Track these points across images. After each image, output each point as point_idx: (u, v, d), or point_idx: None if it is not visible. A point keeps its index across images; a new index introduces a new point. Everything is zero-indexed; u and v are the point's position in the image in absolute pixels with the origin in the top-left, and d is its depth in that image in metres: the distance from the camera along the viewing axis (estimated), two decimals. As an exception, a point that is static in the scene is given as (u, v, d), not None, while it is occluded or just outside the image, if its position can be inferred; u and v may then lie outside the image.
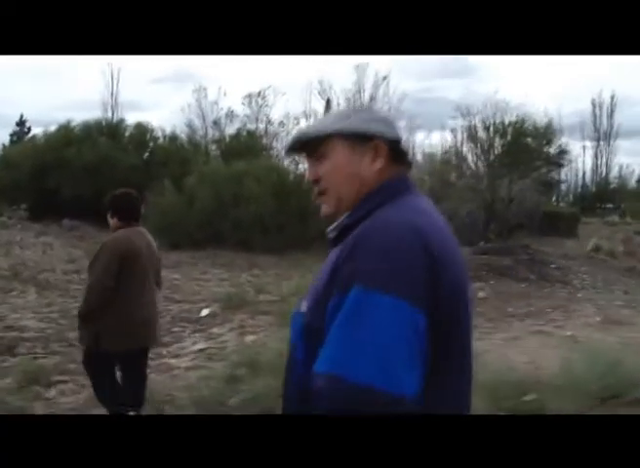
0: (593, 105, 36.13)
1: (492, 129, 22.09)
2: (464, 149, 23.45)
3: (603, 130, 39.03)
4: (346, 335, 1.03)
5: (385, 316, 1.02)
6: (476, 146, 22.66)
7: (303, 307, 1.21)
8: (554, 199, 28.84)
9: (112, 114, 31.74)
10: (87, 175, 27.34)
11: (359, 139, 1.28)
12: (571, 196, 33.33)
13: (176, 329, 7.14)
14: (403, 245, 1.09)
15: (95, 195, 27.56)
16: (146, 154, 29.22)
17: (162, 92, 53.45)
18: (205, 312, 7.84)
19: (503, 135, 21.86)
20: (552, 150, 23.58)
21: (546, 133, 23.15)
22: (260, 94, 30.96)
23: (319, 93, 28.16)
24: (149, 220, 20.53)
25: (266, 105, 31.18)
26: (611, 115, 37.78)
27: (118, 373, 3.92)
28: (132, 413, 3.71)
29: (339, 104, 26.76)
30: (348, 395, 0.99)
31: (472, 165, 22.62)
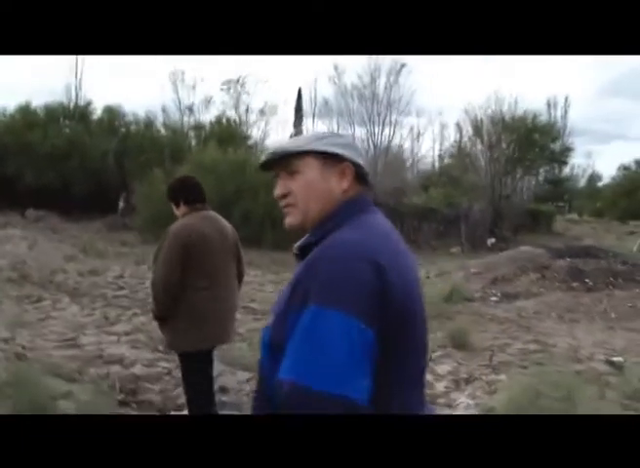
0: (548, 105, 35.66)
1: (501, 124, 21.22)
2: (468, 145, 22.52)
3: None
4: (303, 348, 1.13)
5: (337, 331, 1.12)
6: (482, 142, 21.76)
7: (269, 322, 1.29)
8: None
9: (76, 98, 28.91)
10: (53, 162, 24.88)
11: (330, 160, 1.37)
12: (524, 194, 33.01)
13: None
14: (354, 266, 1.16)
15: (62, 183, 25.32)
16: (115, 140, 26.81)
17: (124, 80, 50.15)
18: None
19: (514, 130, 21.03)
20: (557, 148, 23.04)
21: (552, 129, 22.56)
22: (239, 80, 29.21)
23: (331, 79, 25.48)
24: (140, 214, 18.66)
25: (246, 92, 29.43)
26: (564, 115, 37.53)
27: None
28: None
29: (352, 94, 24.44)
30: (305, 398, 1.10)
31: (479, 161, 21.69)
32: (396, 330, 1.18)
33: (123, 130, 27.53)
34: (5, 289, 8.72)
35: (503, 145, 21.25)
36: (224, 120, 27.87)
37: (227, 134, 25.85)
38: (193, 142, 27.05)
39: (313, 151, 1.36)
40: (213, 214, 3.43)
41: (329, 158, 1.36)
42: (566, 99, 38.19)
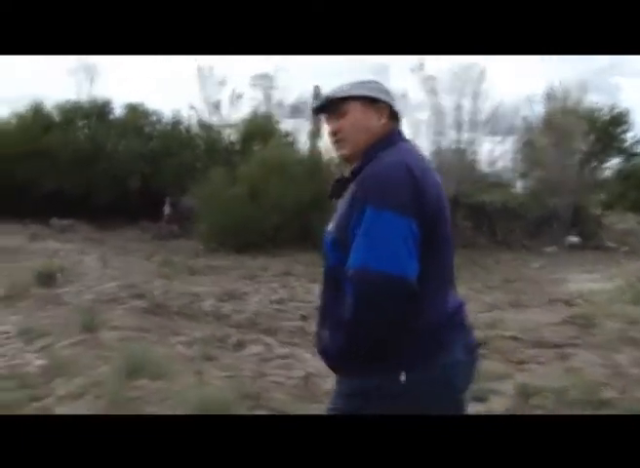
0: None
1: (574, 117, 19.75)
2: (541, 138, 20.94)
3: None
4: (367, 241, 1.59)
5: (390, 225, 1.58)
6: (555, 135, 20.24)
7: (331, 228, 1.77)
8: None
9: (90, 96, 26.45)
10: (75, 167, 22.59)
11: (371, 103, 1.80)
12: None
13: None
14: (396, 176, 1.63)
15: (87, 188, 23.00)
16: (136, 140, 24.41)
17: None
18: None
19: (591, 122, 19.59)
20: (628, 139, 21.82)
21: (623, 121, 21.29)
22: (267, 75, 27.13)
23: (414, 70, 20.43)
24: (203, 220, 16.59)
25: (273, 87, 27.35)
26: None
27: None
28: None
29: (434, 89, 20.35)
30: (372, 278, 1.55)
31: (551, 155, 20.17)
32: (431, 224, 1.64)
33: (147, 129, 25.32)
34: (168, 326, 6.80)
35: (579, 138, 19.79)
36: (259, 117, 25.85)
37: (267, 131, 23.82)
38: (226, 141, 25.00)
39: (357, 96, 1.79)
40: None
41: (368, 101, 1.79)
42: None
